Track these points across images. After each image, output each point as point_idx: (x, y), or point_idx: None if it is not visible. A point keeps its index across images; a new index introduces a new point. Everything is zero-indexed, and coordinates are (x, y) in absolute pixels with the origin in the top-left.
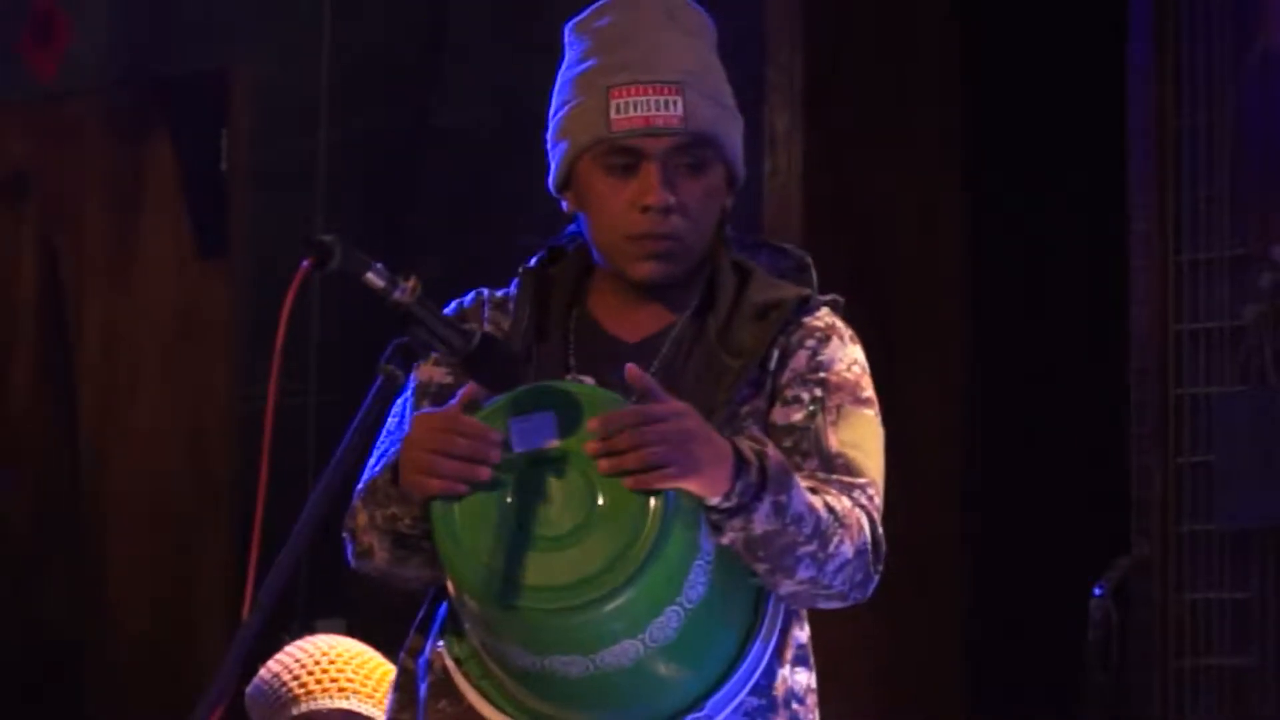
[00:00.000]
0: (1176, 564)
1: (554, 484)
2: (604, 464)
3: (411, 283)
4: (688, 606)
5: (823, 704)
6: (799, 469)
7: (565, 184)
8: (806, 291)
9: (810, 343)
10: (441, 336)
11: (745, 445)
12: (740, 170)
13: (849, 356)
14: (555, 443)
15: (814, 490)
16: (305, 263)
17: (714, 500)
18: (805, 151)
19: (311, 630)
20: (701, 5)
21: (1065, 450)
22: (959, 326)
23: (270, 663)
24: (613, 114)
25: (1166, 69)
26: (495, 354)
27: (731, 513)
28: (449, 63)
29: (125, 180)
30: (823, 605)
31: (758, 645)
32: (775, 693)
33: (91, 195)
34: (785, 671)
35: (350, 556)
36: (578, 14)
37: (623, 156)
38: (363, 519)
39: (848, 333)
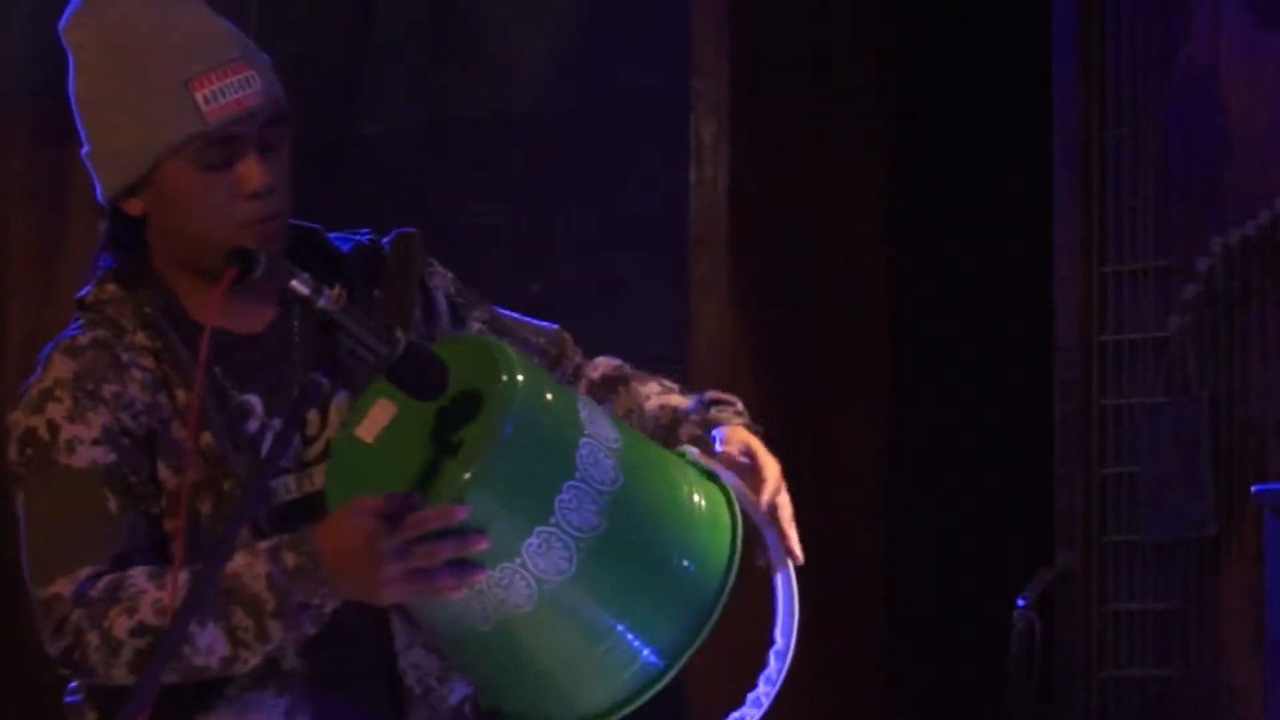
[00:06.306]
0: (1099, 575)
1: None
2: None
3: (336, 290)
4: (575, 535)
5: None
6: None
7: (134, 189)
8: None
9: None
10: (367, 345)
11: None
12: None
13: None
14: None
15: None
16: (229, 271)
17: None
18: (731, 161)
19: None
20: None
21: (988, 460)
22: (883, 335)
23: None
24: (202, 105)
25: (1091, 79)
26: (419, 362)
27: None
28: (374, 71)
29: (50, 186)
30: None
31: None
32: None
33: (16, 201)
34: None
35: (98, 667)
36: (68, 14)
37: (221, 149)
38: (127, 623)
39: None
